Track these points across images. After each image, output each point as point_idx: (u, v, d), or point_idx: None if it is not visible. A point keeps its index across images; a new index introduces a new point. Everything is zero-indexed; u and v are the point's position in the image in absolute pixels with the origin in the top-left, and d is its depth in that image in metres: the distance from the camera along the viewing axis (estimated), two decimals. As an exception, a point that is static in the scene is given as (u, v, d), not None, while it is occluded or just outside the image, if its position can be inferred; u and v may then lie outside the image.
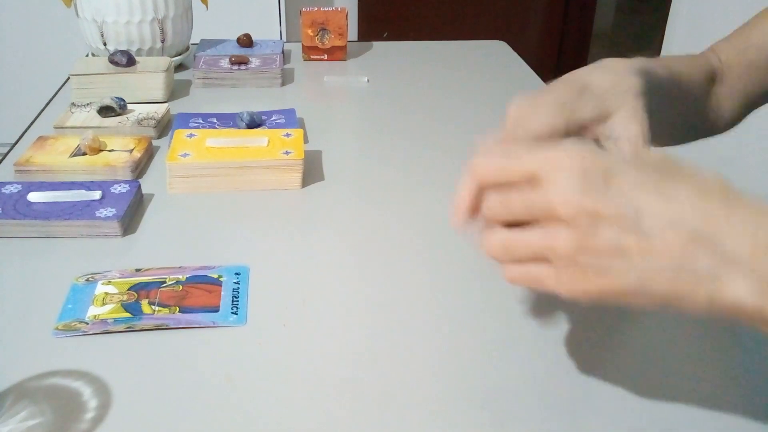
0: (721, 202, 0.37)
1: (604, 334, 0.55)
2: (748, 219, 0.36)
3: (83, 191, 0.71)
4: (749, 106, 0.70)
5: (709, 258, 0.36)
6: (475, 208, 0.43)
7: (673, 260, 0.36)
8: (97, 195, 0.71)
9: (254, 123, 0.89)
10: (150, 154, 0.84)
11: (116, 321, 0.55)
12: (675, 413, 0.48)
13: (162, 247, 0.67)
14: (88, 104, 0.93)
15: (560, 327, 0.56)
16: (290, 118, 0.92)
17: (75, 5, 1.08)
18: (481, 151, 0.43)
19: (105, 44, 1.08)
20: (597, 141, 0.53)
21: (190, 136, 0.81)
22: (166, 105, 0.95)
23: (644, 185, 0.38)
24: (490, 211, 0.42)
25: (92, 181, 0.74)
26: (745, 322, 0.37)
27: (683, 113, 0.65)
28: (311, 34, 1.18)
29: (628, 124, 0.52)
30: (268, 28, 2.14)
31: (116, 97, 0.91)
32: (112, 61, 1.00)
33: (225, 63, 1.09)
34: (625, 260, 0.37)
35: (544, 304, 0.59)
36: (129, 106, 0.93)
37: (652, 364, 0.52)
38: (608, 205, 0.37)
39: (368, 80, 1.12)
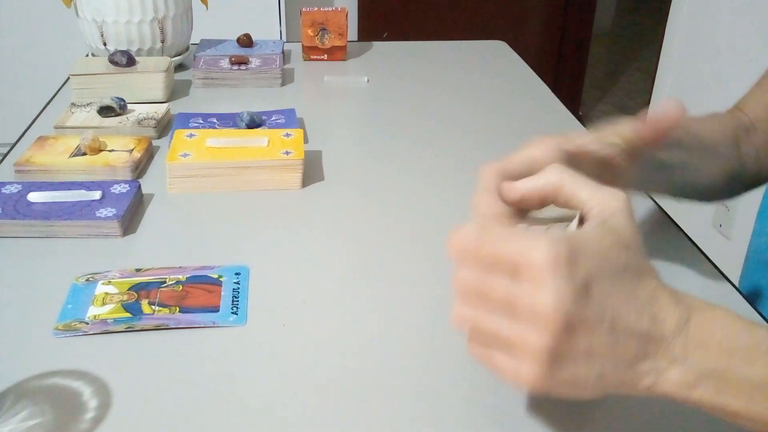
0: (664, 305, 0.41)
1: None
2: (679, 320, 0.41)
3: (83, 191, 0.71)
4: None
5: (653, 357, 0.40)
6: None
7: (629, 360, 0.40)
8: (97, 195, 0.71)
9: (254, 123, 0.89)
10: (150, 154, 0.85)
11: (116, 321, 0.55)
12: (673, 413, 0.48)
13: (162, 247, 0.67)
14: (88, 104, 0.93)
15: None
16: (290, 118, 0.92)
17: (75, 5, 1.08)
18: (466, 226, 0.43)
19: (105, 44, 1.08)
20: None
21: (190, 136, 0.81)
22: (166, 105, 0.95)
23: (617, 294, 0.40)
24: (463, 287, 0.42)
25: (92, 181, 0.74)
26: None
27: (713, 171, 0.66)
28: (311, 34, 1.18)
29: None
30: (268, 28, 2.14)
31: (116, 97, 0.91)
32: (112, 61, 1.00)
33: (225, 63, 1.09)
34: (591, 362, 0.40)
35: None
36: (129, 106, 0.93)
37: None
38: (589, 314, 0.39)
39: (368, 80, 1.12)
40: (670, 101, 0.49)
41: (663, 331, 0.41)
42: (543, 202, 0.49)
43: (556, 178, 0.47)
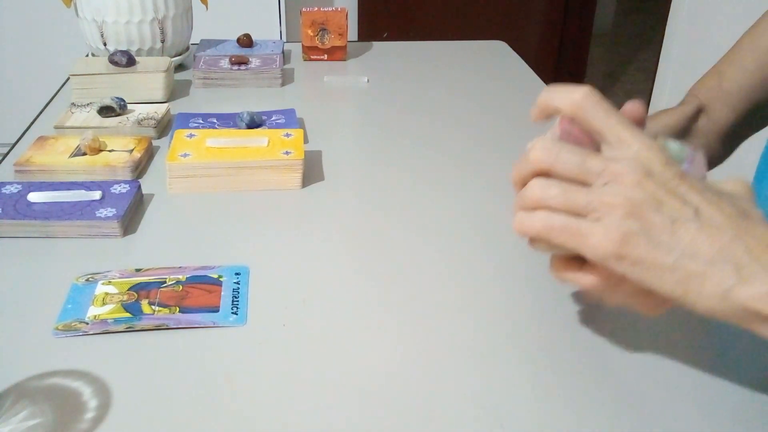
0: (764, 227, 0.41)
1: (605, 335, 0.55)
2: None
3: (83, 191, 0.71)
4: (735, 142, 0.75)
5: (741, 260, 0.40)
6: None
7: (711, 254, 0.40)
8: (97, 195, 0.71)
9: (254, 123, 0.89)
10: (150, 154, 0.85)
11: (116, 321, 0.55)
12: (673, 412, 0.48)
13: (162, 247, 0.67)
14: (88, 104, 0.93)
15: (560, 328, 0.56)
16: (290, 118, 0.92)
17: (75, 5, 1.08)
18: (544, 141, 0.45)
19: (105, 44, 1.08)
20: None
21: (190, 136, 0.81)
22: (166, 105, 0.95)
23: (706, 194, 0.42)
24: (547, 198, 0.44)
25: (92, 181, 0.74)
26: (744, 323, 0.41)
27: None
28: (311, 34, 1.18)
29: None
30: (268, 28, 2.14)
31: (116, 97, 0.91)
32: (112, 61, 1.00)
33: (225, 63, 1.09)
34: (673, 239, 0.41)
35: (545, 306, 0.59)
36: (129, 106, 0.93)
37: (654, 366, 0.52)
38: (676, 191, 0.41)
39: (368, 80, 1.12)
40: (631, 104, 0.50)
41: (757, 241, 0.40)
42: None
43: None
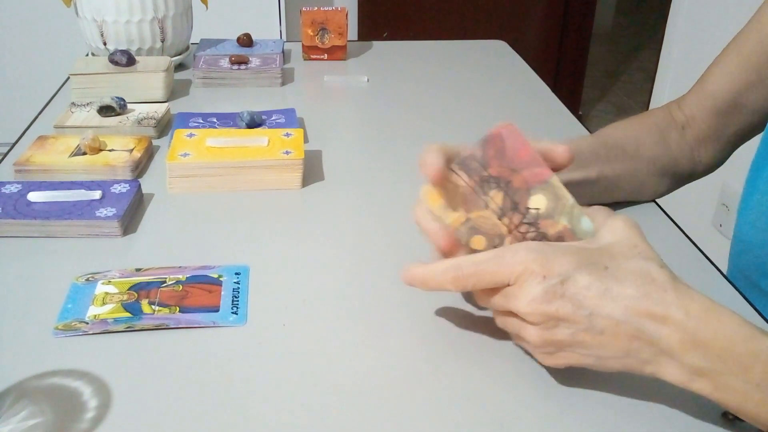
0: (657, 301, 0.44)
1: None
2: (678, 316, 0.43)
3: (83, 191, 0.71)
4: (727, 147, 0.77)
5: (648, 350, 0.44)
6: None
7: (620, 350, 0.45)
8: (97, 195, 0.71)
9: (254, 123, 0.89)
10: (150, 153, 0.84)
11: (116, 321, 0.55)
12: (673, 412, 0.48)
13: (162, 247, 0.67)
14: (88, 104, 0.93)
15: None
16: (290, 118, 0.92)
17: (75, 5, 1.08)
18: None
19: (105, 44, 1.08)
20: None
21: (190, 135, 0.81)
22: (166, 105, 0.95)
23: (594, 289, 0.44)
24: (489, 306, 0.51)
25: (92, 181, 0.73)
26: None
27: (638, 171, 0.72)
28: (311, 33, 1.18)
29: None
30: (268, 28, 2.14)
31: (116, 97, 0.91)
32: (112, 61, 1.00)
33: (225, 63, 1.09)
34: (583, 349, 0.45)
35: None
36: (129, 106, 0.93)
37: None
38: (566, 310, 0.44)
39: (368, 80, 1.12)
40: (561, 149, 0.53)
41: (658, 329, 0.43)
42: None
43: None
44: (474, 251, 0.50)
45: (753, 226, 0.70)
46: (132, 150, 0.81)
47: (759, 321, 0.58)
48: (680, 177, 0.76)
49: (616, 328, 0.44)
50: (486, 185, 0.49)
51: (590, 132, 0.83)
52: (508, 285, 0.46)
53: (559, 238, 0.49)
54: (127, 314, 0.56)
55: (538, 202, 0.48)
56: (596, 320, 0.44)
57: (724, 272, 0.65)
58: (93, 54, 1.13)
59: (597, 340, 0.44)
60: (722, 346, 0.42)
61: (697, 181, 0.79)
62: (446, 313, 0.58)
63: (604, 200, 0.71)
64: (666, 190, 0.76)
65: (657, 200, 0.77)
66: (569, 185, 0.60)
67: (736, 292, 0.62)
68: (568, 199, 0.48)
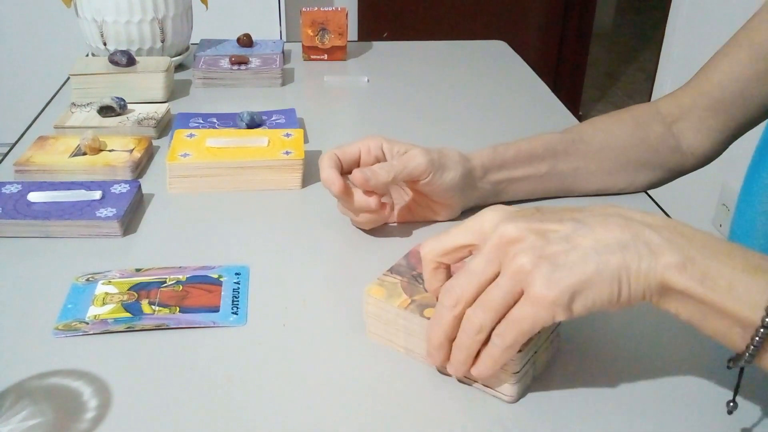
0: (631, 217, 0.45)
1: (605, 334, 0.55)
2: (657, 221, 0.45)
3: (83, 191, 0.71)
4: (725, 140, 0.76)
5: (640, 242, 0.43)
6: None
7: (616, 240, 0.43)
8: (97, 195, 0.71)
9: (254, 123, 0.89)
10: (150, 154, 0.85)
11: (116, 321, 0.55)
12: (674, 412, 0.48)
13: (162, 247, 0.67)
14: (88, 104, 0.93)
15: (559, 327, 0.56)
16: (290, 118, 0.92)
17: (75, 5, 1.08)
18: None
19: (105, 44, 1.08)
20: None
21: (190, 136, 0.81)
22: (166, 105, 0.95)
23: (567, 211, 0.46)
24: (451, 286, 0.47)
25: (92, 181, 0.74)
26: (675, 308, 0.44)
27: (620, 162, 0.74)
28: (311, 34, 1.18)
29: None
30: (268, 28, 2.14)
31: (116, 97, 0.91)
32: (112, 61, 1.00)
33: (225, 63, 1.09)
34: (580, 251, 0.43)
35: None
36: (129, 106, 0.93)
37: (649, 365, 0.52)
38: (549, 222, 0.45)
39: (368, 80, 1.12)
40: (358, 175, 0.62)
41: (643, 228, 0.44)
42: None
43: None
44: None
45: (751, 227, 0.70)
46: (132, 150, 0.81)
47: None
48: (666, 170, 0.76)
49: (605, 220, 0.44)
50: (418, 278, 0.54)
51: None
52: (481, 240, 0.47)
53: None
54: (127, 314, 0.56)
55: None
56: (584, 220, 0.45)
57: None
58: (93, 54, 1.13)
59: (591, 236, 0.44)
60: (703, 240, 0.43)
61: (697, 181, 0.79)
62: (446, 313, 0.58)
63: (565, 193, 0.74)
64: (648, 183, 0.76)
65: (657, 201, 0.77)
66: (515, 181, 0.71)
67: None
68: None
